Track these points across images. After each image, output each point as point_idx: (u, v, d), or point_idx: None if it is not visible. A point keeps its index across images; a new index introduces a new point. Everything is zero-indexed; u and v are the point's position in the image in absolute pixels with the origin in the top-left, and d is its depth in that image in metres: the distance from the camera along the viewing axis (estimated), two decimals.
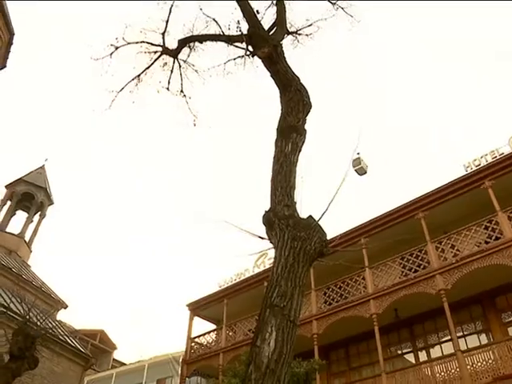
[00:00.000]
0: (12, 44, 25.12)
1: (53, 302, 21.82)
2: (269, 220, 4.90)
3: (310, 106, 6.25)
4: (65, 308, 22.84)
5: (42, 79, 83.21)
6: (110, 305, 74.98)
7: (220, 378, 18.44)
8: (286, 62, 6.77)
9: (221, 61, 8.76)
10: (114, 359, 38.13)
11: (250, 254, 5.75)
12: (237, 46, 7.96)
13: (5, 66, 26.25)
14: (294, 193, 5.18)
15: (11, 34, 24.63)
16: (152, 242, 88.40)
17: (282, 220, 4.78)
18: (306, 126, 6.05)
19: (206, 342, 22.42)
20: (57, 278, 72.84)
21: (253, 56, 7.68)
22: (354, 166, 18.33)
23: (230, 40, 8.10)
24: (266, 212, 5.02)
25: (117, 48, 8.81)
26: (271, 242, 4.84)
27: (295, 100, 6.19)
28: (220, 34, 8.33)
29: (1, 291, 18.18)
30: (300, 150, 5.68)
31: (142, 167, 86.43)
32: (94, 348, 35.57)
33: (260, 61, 7.01)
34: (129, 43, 8.69)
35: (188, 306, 23.82)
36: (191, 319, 23.49)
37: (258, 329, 4.17)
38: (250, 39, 7.29)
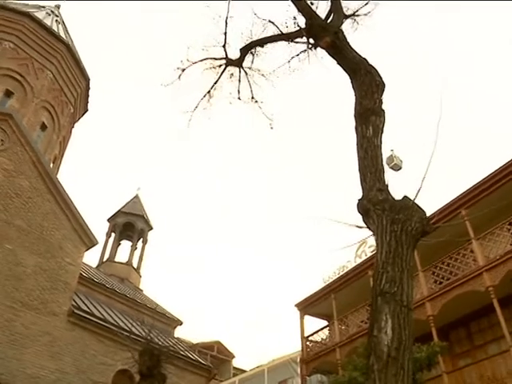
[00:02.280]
0: (89, 89, 26.97)
1: (168, 320, 22.92)
2: (364, 207, 4.83)
3: (384, 85, 6.08)
4: (180, 325, 23.89)
5: (117, 112, 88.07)
6: (221, 315, 77.29)
7: (340, 372, 18.31)
8: (350, 46, 6.65)
9: (284, 60, 8.76)
10: (233, 367, 39.20)
11: (349, 245, 5.68)
12: (298, 42, 7.93)
13: (87, 110, 28.22)
14: (384, 176, 5.07)
15: (87, 80, 26.45)
16: (248, 246, 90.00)
17: (378, 205, 4.69)
18: (384, 106, 5.90)
19: (321, 339, 22.43)
20: (168, 297, 76.38)
21: (315, 48, 7.61)
22: (387, 164, 17.58)
23: (289, 38, 8.08)
24: (359, 200, 4.95)
25: (183, 70, 9.12)
26: (370, 230, 4.77)
27: (367, 82, 6.06)
28: (279, 34, 8.34)
29: (121, 317, 19.42)
30: (382, 132, 5.54)
31: (225, 170, 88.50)
32: (213, 359, 36.80)
33: (324, 51, 6.93)
34: (194, 63, 8.97)
35: (297, 306, 23.97)
36: (302, 318, 23.61)
37: (373, 318, 4.11)
38: (310, 32, 7.23)
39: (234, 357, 40.00)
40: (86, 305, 18.10)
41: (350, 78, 6.32)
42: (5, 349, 14.39)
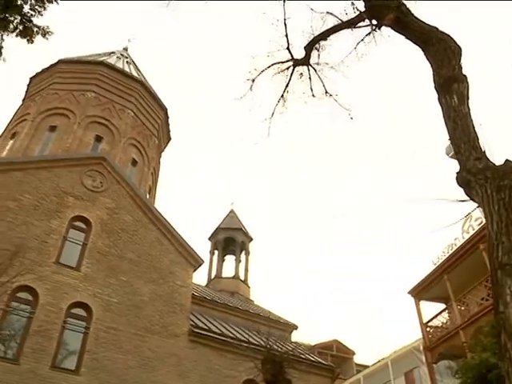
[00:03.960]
0: (168, 118, 28.23)
1: (283, 326, 23.18)
2: (464, 180, 4.60)
3: (460, 49, 5.77)
4: (295, 329, 24.05)
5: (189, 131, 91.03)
6: (334, 313, 76.66)
7: (468, 355, 17.39)
8: (415, 18, 6.39)
9: (350, 47, 8.60)
10: (355, 364, 38.58)
11: (453, 222, 5.42)
12: (361, 26, 7.75)
13: (170, 138, 29.52)
14: (479, 143, 4.80)
15: (165, 110, 27.73)
16: (344, 236, 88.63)
17: (479, 175, 4.45)
18: (464, 71, 5.61)
19: (441, 324, 21.49)
20: (279, 303, 77.20)
21: (379, 28, 7.41)
22: (447, 154, 16.39)
23: (351, 24, 7.92)
24: (457, 173, 4.73)
25: (253, 80, 9.25)
26: (475, 202, 4.53)
27: (441, 50, 5.79)
28: (340, 23, 8.20)
29: (238, 329, 19.94)
30: (468, 98, 5.25)
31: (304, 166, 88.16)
32: (334, 358, 36.44)
33: (390, 29, 6.73)
34: (262, 71, 9.07)
35: (410, 293, 23.18)
36: (417, 305, 22.79)
37: (496, 294, 3.89)
38: (371, 13, 7.05)
39: (354, 353, 39.35)
40: (203, 322, 18.82)
41: (423, 50, 6.07)
42: (138, 373, 15.35)
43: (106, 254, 17.02)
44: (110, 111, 24.07)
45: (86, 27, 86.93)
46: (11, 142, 22.64)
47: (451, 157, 17.12)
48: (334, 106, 9.14)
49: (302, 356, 19.20)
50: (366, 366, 34.99)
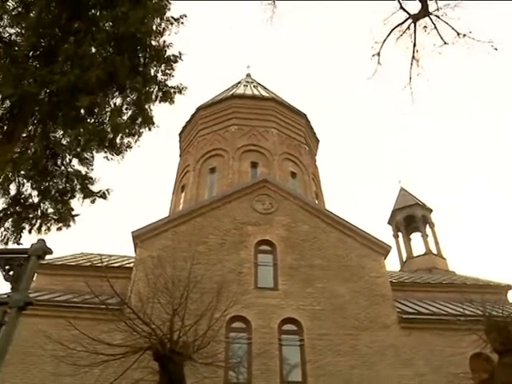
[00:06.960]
0: (309, 121, 28.63)
1: (495, 289, 21.40)
2: None
3: None
4: (510, 289, 22.04)
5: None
6: None
7: None
8: None
9: None
10: None
11: None
12: None
13: (318, 141, 29.83)
14: None
15: (303, 115, 28.22)
16: None
17: None
18: None
19: None
20: (482, 266, 71.50)
21: None
22: None
23: None
24: None
25: (379, 54, 8.99)
26: None
27: None
28: None
29: (448, 304, 18.96)
30: None
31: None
32: None
33: None
34: (384, 40, 8.77)
35: None
36: None
37: None
38: None
39: None
40: (409, 307, 18.31)
41: None
42: (362, 370, 15.44)
43: (297, 267, 17.64)
44: (255, 136, 25.33)
45: (201, 67, 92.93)
46: (183, 194, 25.09)
47: None
48: (472, 46, 8.41)
49: None
50: None
